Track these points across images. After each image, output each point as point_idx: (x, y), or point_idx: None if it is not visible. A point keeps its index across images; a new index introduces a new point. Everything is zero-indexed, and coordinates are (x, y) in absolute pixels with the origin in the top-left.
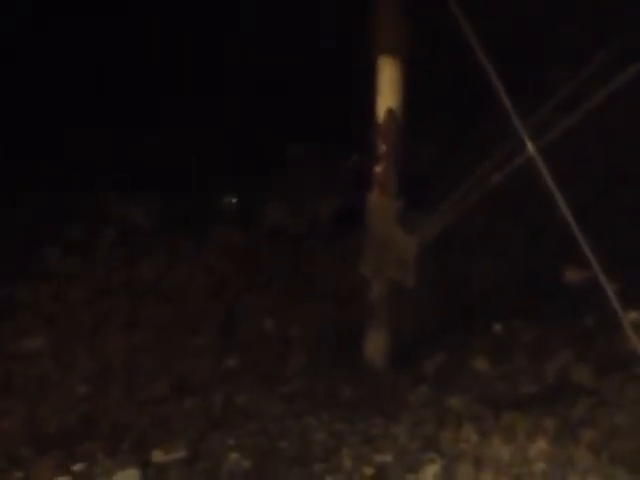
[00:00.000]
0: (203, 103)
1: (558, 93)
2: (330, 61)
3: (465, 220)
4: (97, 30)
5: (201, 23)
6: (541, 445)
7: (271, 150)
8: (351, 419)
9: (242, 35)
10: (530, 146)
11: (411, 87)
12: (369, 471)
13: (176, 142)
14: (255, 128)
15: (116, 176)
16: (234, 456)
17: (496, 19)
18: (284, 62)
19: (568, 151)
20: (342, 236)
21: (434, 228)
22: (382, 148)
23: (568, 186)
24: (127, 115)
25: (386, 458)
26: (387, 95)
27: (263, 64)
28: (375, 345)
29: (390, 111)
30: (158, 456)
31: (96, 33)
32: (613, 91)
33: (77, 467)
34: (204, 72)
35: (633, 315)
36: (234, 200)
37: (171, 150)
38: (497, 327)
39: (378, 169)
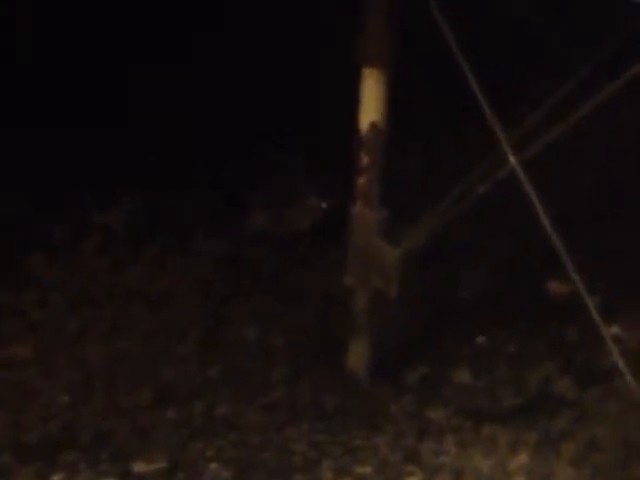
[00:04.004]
0: (187, 107)
1: (544, 104)
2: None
3: (449, 231)
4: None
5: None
6: (522, 458)
7: (258, 155)
8: (332, 430)
9: (230, 30)
10: (512, 158)
11: (395, 98)
12: None
13: (157, 144)
14: (242, 132)
15: (97, 179)
16: (214, 466)
17: (481, 30)
18: (272, 68)
19: (553, 163)
20: (326, 246)
21: (418, 239)
22: (365, 160)
23: (552, 198)
24: (105, 114)
25: (366, 469)
26: (370, 107)
27: (247, 70)
28: (357, 356)
29: (373, 123)
30: (139, 466)
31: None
32: (599, 102)
33: (57, 477)
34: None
35: (614, 328)
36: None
37: (154, 153)
38: (480, 339)
39: (361, 180)
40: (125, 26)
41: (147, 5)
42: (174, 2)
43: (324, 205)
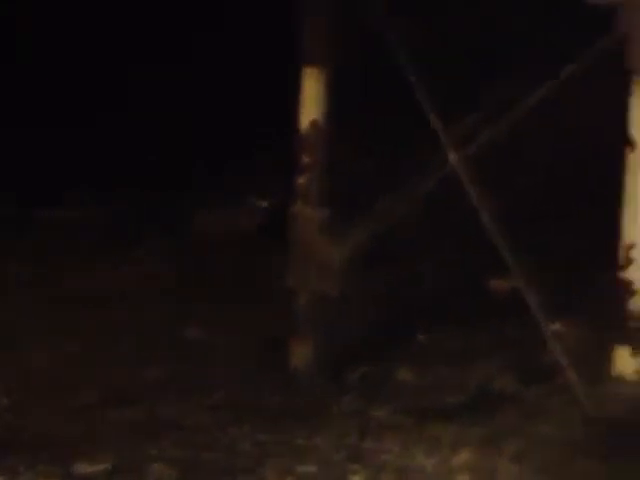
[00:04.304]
0: (132, 110)
1: (487, 103)
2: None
3: (392, 230)
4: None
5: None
6: (465, 455)
7: (206, 156)
8: (276, 430)
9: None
10: (452, 156)
11: (341, 98)
12: None
13: (110, 147)
14: (187, 134)
15: (53, 180)
16: (158, 467)
17: (424, 32)
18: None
19: (495, 161)
20: (269, 246)
21: (360, 238)
22: (305, 159)
23: (494, 196)
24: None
25: (310, 469)
26: (310, 106)
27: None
28: (300, 356)
29: (313, 122)
30: (81, 467)
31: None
32: (540, 101)
33: None
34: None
35: (556, 325)
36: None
37: (106, 155)
38: (422, 337)
39: (301, 180)
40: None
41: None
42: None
43: (266, 205)
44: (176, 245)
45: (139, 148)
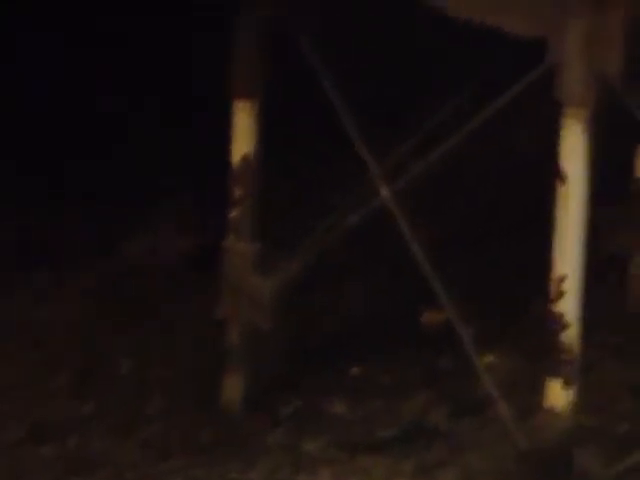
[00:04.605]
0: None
1: (417, 134)
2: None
3: (324, 262)
4: None
5: None
6: None
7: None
8: (208, 464)
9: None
10: (384, 190)
11: (269, 130)
12: None
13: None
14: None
15: None
16: None
17: (353, 62)
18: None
19: (427, 191)
20: (201, 279)
21: (291, 270)
22: (237, 193)
23: (426, 227)
24: None
25: None
26: (242, 139)
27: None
28: (232, 389)
29: (245, 155)
30: None
31: None
32: (471, 132)
33: None
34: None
35: (488, 357)
36: None
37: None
38: (354, 370)
39: (234, 213)
40: None
41: None
42: None
43: (198, 238)
44: (105, 277)
45: (65, 176)
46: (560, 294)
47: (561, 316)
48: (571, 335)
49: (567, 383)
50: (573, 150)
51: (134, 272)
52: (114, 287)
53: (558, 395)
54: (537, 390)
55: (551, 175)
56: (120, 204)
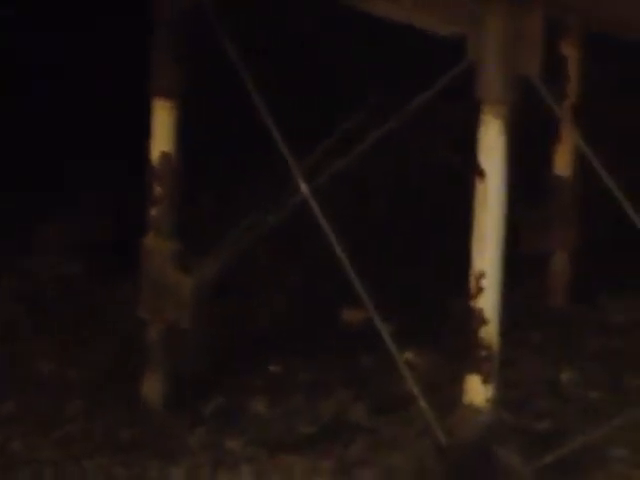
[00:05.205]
0: None
1: (335, 133)
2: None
3: (245, 260)
4: None
5: None
6: None
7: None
8: (129, 463)
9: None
10: (304, 186)
11: (188, 127)
12: None
13: None
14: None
15: None
16: None
17: (274, 61)
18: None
19: (347, 191)
20: (120, 277)
21: (212, 269)
22: (157, 191)
23: (345, 226)
24: None
25: None
26: (161, 137)
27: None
28: (153, 387)
29: (164, 153)
30: None
31: None
32: (389, 132)
33: None
34: None
35: (408, 355)
36: None
37: None
38: (274, 368)
39: (153, 212)
40: None
41: None
42: None
43: (118, 235)
44: (23, 277)
45: None
46: (479, 290)
47: (480, 312)
48: (490, 331)
49: (486, 379)
50: (491, 147)
51: (53, 272)
52: (33, 287)
53: (477, 391)
54: (457, 386)
55: (470, 172)
56: (38, 195)
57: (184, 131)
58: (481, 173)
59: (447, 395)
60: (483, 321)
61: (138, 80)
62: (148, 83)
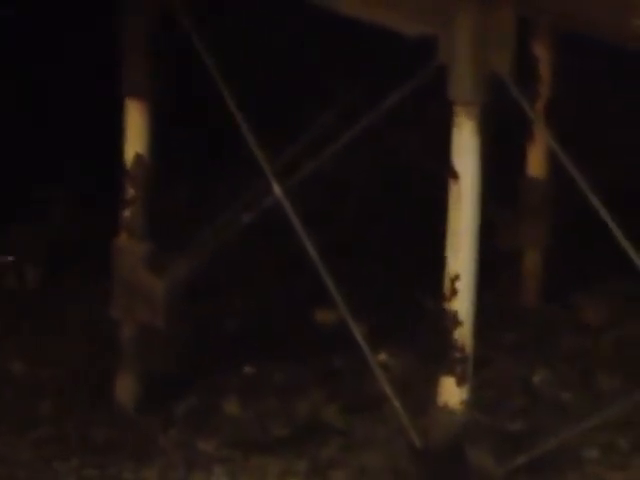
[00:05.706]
0: None
1: (308, 134)
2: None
3: (217, 261)
4: None
5: None
6: None
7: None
8: (102, 464)
9: None
10: (277, 187)
11: (161, 129)
12: None
13: None
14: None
15: None
16: None
17: (246, 62)
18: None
19: (320, 190)
20: (94, 278)
21: (184, 269)
22: (130, 192)
23: (318, 226)
24: None
25: None
26: (134, 138)
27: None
28: (125, 388)
29: (137, 154)
30: None
31: None
32: (360, 131)
33: None
34: None
35: (382, 356)
36: None
37: None
38: (248, 369)
39: (126, 213)
40: None
41: None
42: None
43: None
44: None
45: None
46: (453, 292)
47: (454, 314)
48: (464, 333)
49: (460, 380)
50: (464, 148)
51: (24, 272)
52: (2, 287)
53: (452, 392)
54: (431, 388)
55: (444, 173)
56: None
57: (159, 132)
58: (455, 174)
59: (421, 396)
60: (457, 323)
61: (109, 81)
62: (120, 84)
